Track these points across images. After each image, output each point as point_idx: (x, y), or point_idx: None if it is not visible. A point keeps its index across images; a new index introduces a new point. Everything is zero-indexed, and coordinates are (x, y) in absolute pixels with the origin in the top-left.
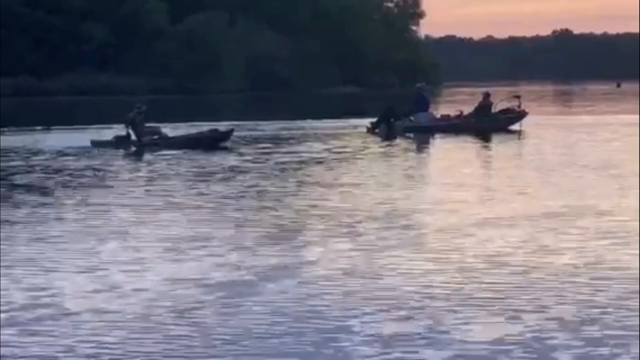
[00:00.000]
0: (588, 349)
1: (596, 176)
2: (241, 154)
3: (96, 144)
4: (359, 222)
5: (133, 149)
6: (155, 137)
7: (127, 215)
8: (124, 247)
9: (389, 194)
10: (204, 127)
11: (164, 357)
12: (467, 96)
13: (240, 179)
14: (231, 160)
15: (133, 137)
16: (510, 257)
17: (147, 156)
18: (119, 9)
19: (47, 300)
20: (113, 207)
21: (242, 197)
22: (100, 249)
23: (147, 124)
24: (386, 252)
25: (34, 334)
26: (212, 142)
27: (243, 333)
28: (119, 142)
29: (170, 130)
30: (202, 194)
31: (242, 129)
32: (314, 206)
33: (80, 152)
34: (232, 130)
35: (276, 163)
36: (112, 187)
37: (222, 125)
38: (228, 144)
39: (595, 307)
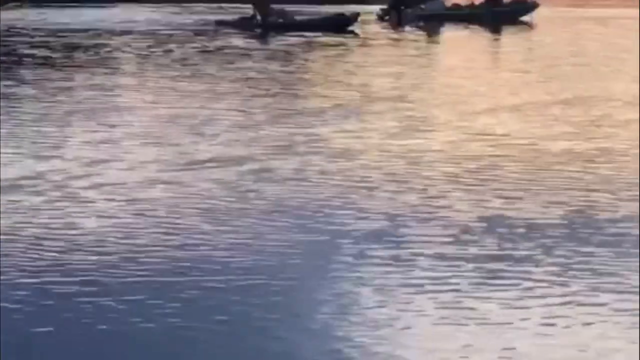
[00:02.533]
0: None
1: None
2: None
3: (220, 23)
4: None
5: (258, 30)
6: (281, 19)
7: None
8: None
9: (396, 80)
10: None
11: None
12: None
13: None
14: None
15: (258, 18)
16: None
17: (270, 38)
18: None
19: None
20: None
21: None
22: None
23: (273, 5)
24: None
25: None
26: (338, 26)
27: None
28: (244, 23)
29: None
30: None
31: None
32: (321, 91)
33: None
34: (358, 14)
35: (285, 45)
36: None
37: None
38: (355, 27)
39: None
